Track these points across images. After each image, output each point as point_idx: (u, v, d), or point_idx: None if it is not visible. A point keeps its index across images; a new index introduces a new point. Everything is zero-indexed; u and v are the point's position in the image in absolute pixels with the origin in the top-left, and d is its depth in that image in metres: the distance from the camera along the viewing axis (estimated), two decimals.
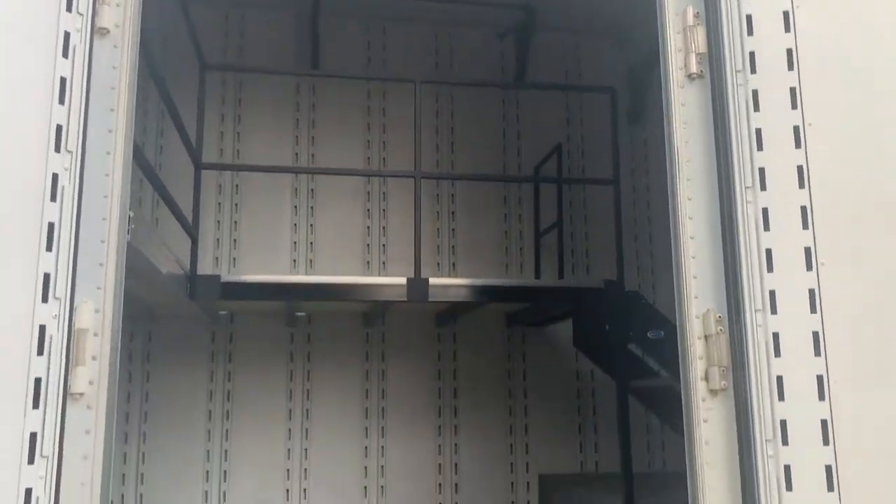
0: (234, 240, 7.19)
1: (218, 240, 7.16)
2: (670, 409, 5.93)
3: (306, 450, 7.11)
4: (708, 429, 3.13)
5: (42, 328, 2.52)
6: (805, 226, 3.06)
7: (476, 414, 7.45)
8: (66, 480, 2.58)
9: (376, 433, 7.27)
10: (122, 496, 6.66)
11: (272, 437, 7.07)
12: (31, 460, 2.44)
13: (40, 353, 2.51)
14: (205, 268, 6.55)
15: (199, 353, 7.06)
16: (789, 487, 2.94)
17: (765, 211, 3.08)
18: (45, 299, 2.54)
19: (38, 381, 2.49)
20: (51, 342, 2.55)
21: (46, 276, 2.56)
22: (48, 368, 2.53)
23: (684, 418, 3.19)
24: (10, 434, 2.38)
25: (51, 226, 2.58)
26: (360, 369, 7.36)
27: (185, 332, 7.02)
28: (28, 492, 2.42)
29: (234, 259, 7.14)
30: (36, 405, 2.48)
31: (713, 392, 3.16)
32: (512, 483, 7.38)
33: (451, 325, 7.51)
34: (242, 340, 7.17)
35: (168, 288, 4.97)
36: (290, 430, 7.12)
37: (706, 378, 3.17)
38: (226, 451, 6.96)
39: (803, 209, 3.06)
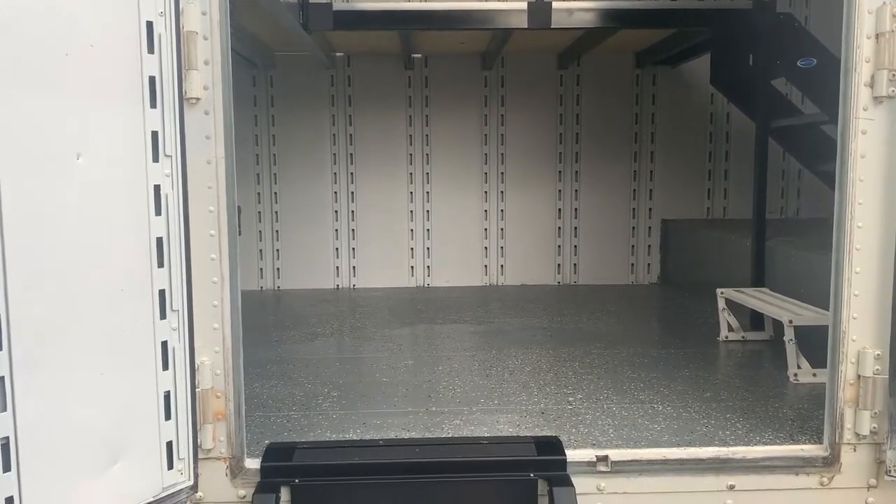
0: None
1: None
2: (814, 150, 5.46)
3: (428, 193, 7.23)
4: (865, 141, 2.79)
5: (150, 24, 2.44)
6: None
7: (598, 160, 7.23)
8: (192, 183, 2.64)
9: (496, 178, 7.26)
10: (260, 232, 7.14)
11: (395, 182, 7.21)
12: (155, 158, 2.49)
13: (150, 51, 2.46)
14: None
15: (320, 97, 7.08)
16: None
17: None
18: None
19: (152, 79, 2.46)
20: (160, 41, 2.48)
21: None
22: (160, 68, 2.48)
23: (839, 130, 2.85)
24: (132, 131, 2.41)
25: None
26: (479, 114, 7.19)
27: (305, 77, 7.01)
28: (157, 188, 2.50)
29: None
30: (154, 104, 2.47)
31: (877, 100, 2.77)
32: (633, 227, 7.31)
33: (574, 65, 7.08)
34: (361, 84, 7.09)
35: (283, 19, 4.84)
36: (411, 174, 7.22)
37: (871, 84, 2.76)
38: (352, 193, 7.19)
39: None
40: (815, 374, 3.87)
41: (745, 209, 6.57)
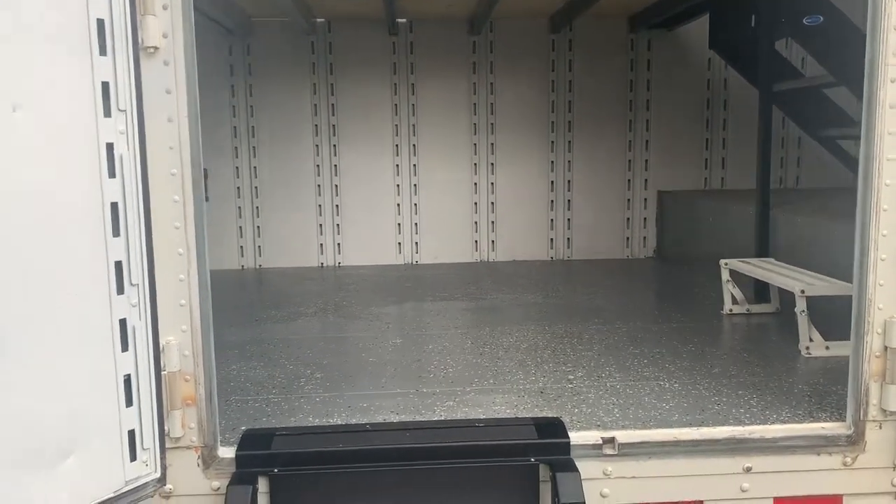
0: None
1: None
2: (815, 115, 5.22)
3: (415, 166, 6.95)
4: (895, 90, 2.54)
5: None
6: None
7: (592, 129, 6.97)
8: (151, 142, 2.35)
9: (485, 150, 6.98)
10: (240, 208, 6.84)
11: (381, 154, 6.92)
12: (106, 113, 2.20)
13: None
14: None
15: (300, 65, 6.76)
16: None
17: None
18: None
19: (100, 23, 2.16)
20: None
21: None
22: (110, 10, 2.19)
23: (865, 78, 2.59)
24: (78, 81, 2.12)
25: None
26: (467, 82, 6.90)
27: (283, 44, 6.70)
28: (109, 146, 2.21)
29: None
30: (103, 52, 2.18)
31: None
32: (628, 200, 7.06)
33: (566, 30, 6.78)
34: (343, 51, 6.77)
35: None
36: (397, 145, 6.93)
37: None
38: (335, 167, 6.90)
39: None
40: (827, 347, 3.66)
41: (743, 180, 6.37)
